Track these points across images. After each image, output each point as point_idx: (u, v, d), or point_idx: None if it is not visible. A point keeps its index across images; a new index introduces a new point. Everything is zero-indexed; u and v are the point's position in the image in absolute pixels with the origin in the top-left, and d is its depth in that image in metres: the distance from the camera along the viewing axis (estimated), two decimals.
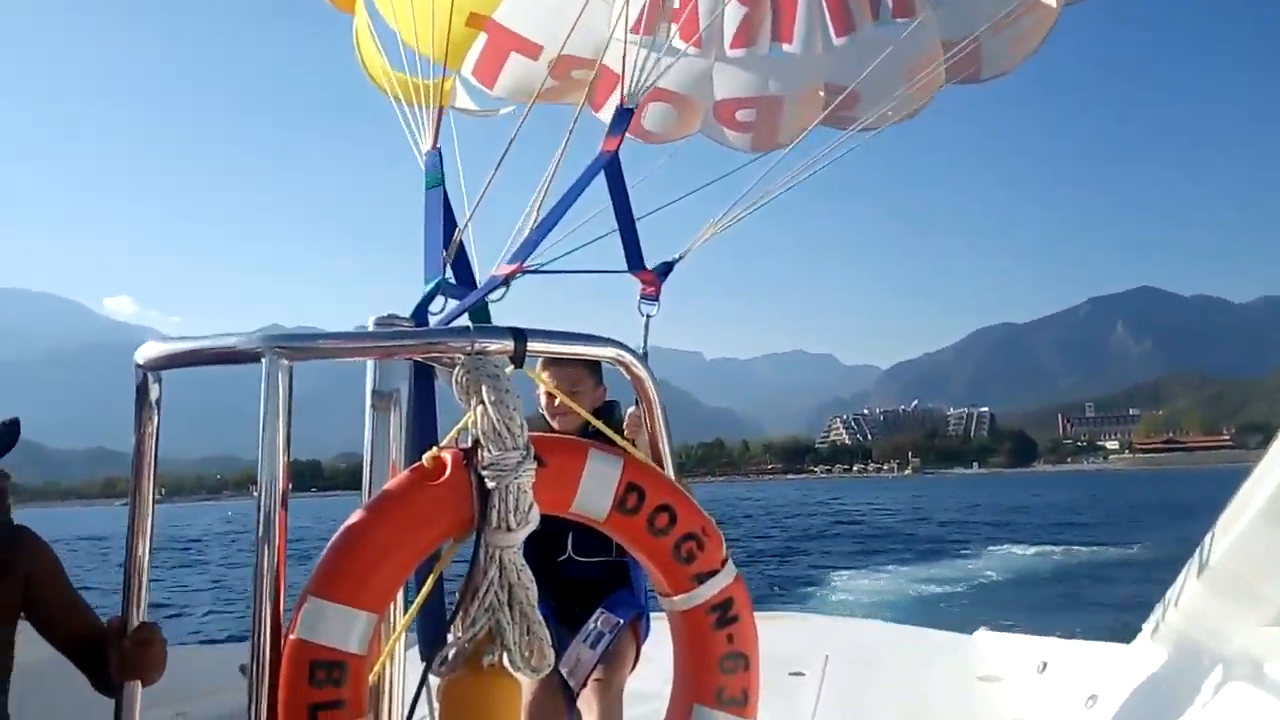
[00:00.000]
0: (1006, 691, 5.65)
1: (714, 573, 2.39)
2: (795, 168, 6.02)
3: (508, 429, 2.13)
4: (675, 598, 2.43)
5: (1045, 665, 5.41)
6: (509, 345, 2.29)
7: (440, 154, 4.06)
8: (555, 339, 2.49)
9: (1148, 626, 4.22)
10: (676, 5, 7.41)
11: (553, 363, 3.80)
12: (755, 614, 2.49)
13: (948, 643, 7.41)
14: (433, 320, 2.95)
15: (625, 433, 3.49)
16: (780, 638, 5.98)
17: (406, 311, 2.85)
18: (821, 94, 7.38)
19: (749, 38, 7.36)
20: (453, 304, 3.14)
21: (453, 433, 2.29)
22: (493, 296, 3.46)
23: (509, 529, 2.12)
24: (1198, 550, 3.68)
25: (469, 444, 2.19)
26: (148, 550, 2.27)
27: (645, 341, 4.11)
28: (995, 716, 5.27)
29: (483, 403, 2.15)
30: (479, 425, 2.15)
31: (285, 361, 2.16)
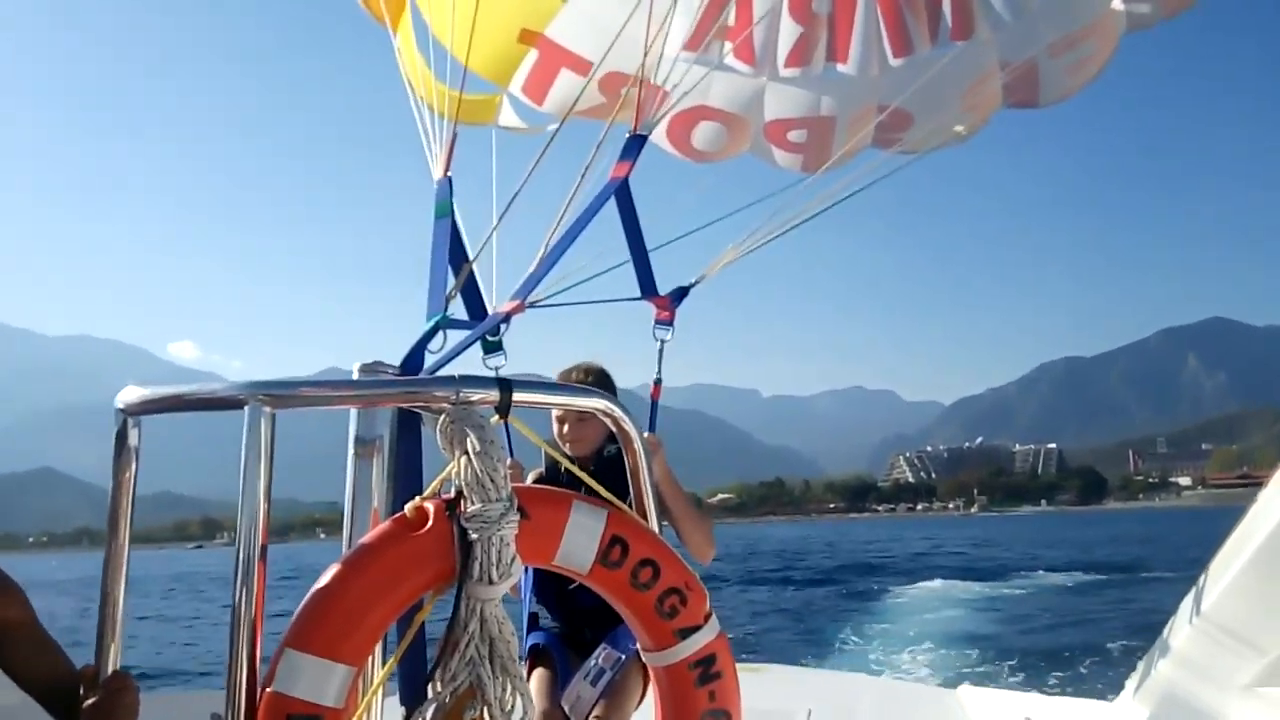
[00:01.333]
0: None
1: (697, 628, 2.40)
2: (821, 194, 5.82)
3: (491, 480, 2.11)
4: (657, 653, 2.44)
5: None
6: (494, 395, 2.27)
7: (450, 181, 3.89)
8: (542, 390, 2.53)
9: (1131, 683, 4.12)
10: (733, 23, 7.33)
11: (580, 387, 3.45)
12: (738, 665, 2.49)
13: (930, 697, 7.75)
14: (430, 359, 2.86)
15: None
16: (763, 690, 6.07)
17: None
18: (873, 113, 7.23)
19: (804, 57, 7.25)
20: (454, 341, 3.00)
21: (435, 483, 2.26)
22: (496, 333, 3.54)
23: (491, 582, 2.09)
24: (1184, 601, 3.46)
25: (452, 494, 2.16)
26: (122, 597, 2.21)
27: (660, 367, 4.20)
28: None
29: (467, 453, 2.12)
30: (462, 476, 2.13)
31: (268, 409, 2.12)
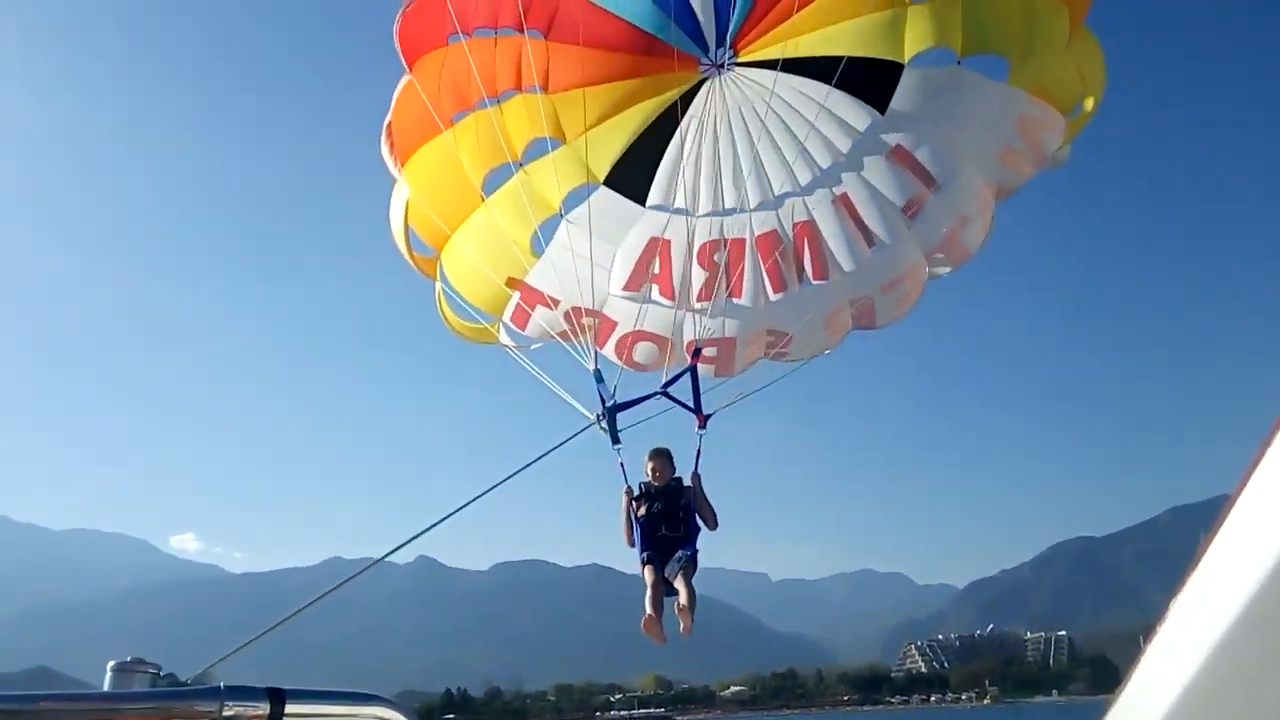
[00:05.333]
0: None
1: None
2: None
3: None
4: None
5: None
6: (263, 709, 2.15)
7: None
8: (317, 699, 2.45)
9: None
10: (658, 271, 10.16)
11: (657, 455, 9.40)
12: None
13: None
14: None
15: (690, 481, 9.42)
16: None
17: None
18: (765, 336, 9.95)
19: (709, 294, 10.02)
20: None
21: None
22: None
23: None
24: None
25: None
26: None
27: (698, 457, 9.65)
28: None
29: None
30: None
31: None
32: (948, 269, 9.71)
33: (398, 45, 9.83)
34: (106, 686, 2.25)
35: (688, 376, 9.39)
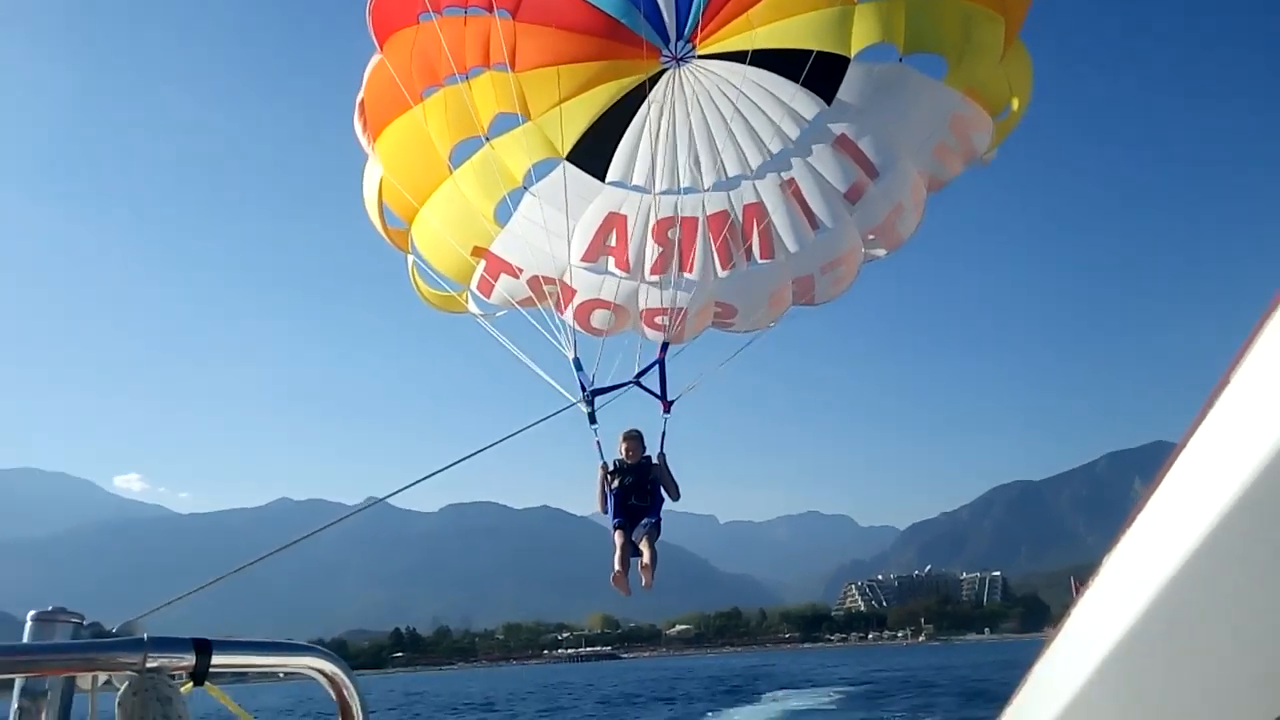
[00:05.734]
0: None
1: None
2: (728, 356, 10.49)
3: None
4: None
5: None
6: (189, 660, 2.10)
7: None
8: (246, 650, 2.37)
9: None
10: (614, 244, 10.79)
11: (630, 437, 10.47)
12: None
13: None
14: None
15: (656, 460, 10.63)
16: None
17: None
18: (712, 307, 10.65)
19: (663, 268, 10.73)
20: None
21: None
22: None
23: None
24: None
25: None
26: None
27: (663, 439, 10.70)
28: None
29: None
30: None
31: None
32: (882, 252, 10.48)
33: (370, 23, 10.22)
34: (26, 638, 2.21)
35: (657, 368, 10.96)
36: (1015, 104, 9.69)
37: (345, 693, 2.43)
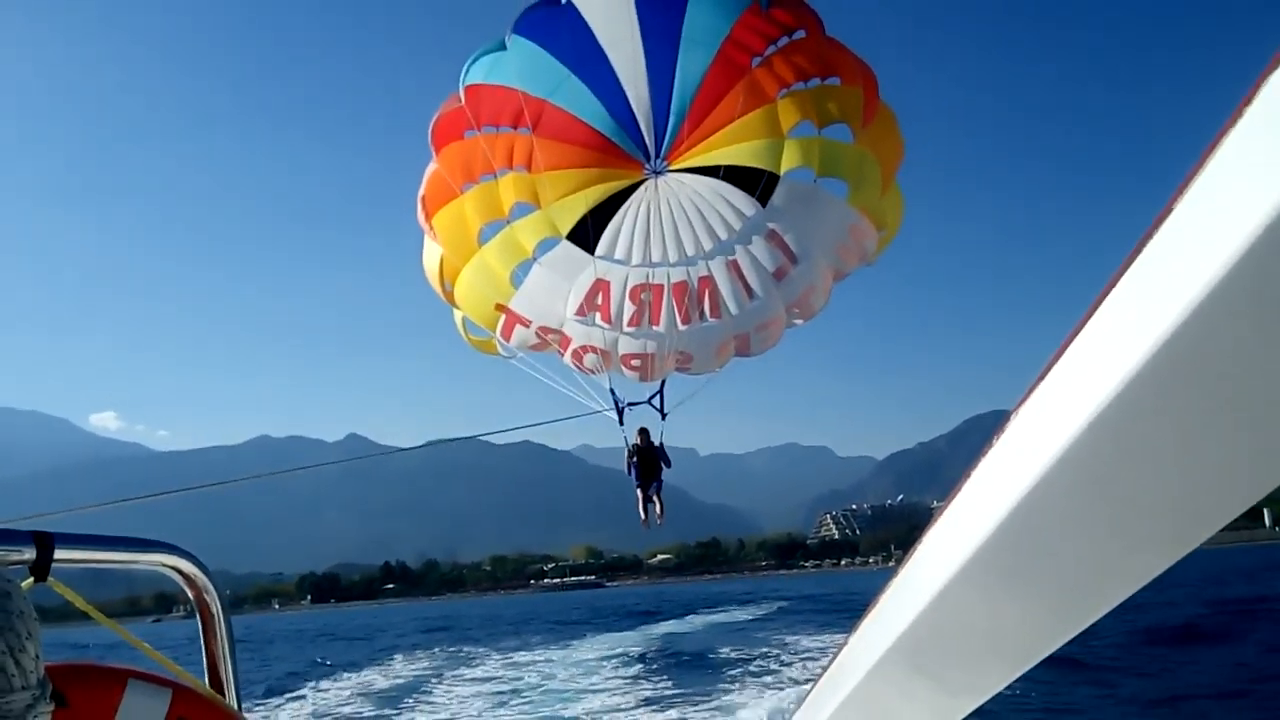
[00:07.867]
0: None
1: None
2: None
3: (16, 664, 1.58)
4: None
5: None
6: (28, 554, 2.05)
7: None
8: (92, 545, 2.27)
9: None
10: (601, 303, 14.33)
11: (643, 432, 16.79)
12: None
13: None
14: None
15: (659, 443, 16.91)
16: None
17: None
18: (675, 354, 14.23)
19: (637, 322, 14.22)
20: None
21: None
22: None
23: None
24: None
25: None
26: None
27: (662, 436, 16.54)
28: None
29: None
30: None
31: None
32: (800, 321, 14.11)
33: (430, 139, 13.78)
34: None
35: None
36: (890, 225, 13.47)
37: (206, 595, 2.40)
